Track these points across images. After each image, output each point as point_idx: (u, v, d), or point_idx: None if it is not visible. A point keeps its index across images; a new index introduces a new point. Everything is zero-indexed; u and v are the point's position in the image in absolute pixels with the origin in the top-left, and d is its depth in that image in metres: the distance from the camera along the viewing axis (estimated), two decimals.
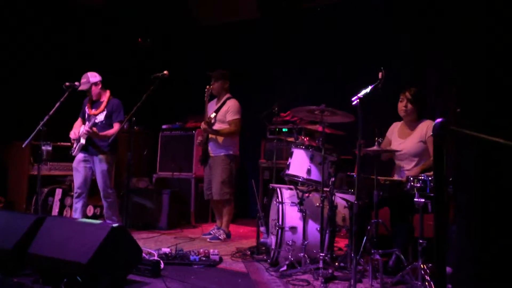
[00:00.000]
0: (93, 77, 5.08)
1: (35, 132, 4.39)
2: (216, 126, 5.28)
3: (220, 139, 5.27)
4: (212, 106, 5.44)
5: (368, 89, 3.51)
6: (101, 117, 4.98)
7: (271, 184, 4.50)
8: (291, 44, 6.99)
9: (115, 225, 3.18)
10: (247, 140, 6.24)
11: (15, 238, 3.38)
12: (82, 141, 4.95)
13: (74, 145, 5.07)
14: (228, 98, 5.38)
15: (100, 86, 5.12)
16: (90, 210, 5.94)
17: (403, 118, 4.22)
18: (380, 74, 3.56)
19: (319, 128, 4.10)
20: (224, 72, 5.45)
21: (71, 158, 5.26)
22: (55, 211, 5.68)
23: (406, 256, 3.54)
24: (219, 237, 5.27)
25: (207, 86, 5.38)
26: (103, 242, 3.05)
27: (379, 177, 3.63)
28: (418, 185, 3.32)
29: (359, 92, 3.52)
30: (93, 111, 5.07)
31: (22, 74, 6.10)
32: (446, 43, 5.41)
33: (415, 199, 3.29)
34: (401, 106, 4.15)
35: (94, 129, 4.85)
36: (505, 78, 3.32)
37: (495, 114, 3.31)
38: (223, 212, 5.39)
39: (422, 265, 3.22)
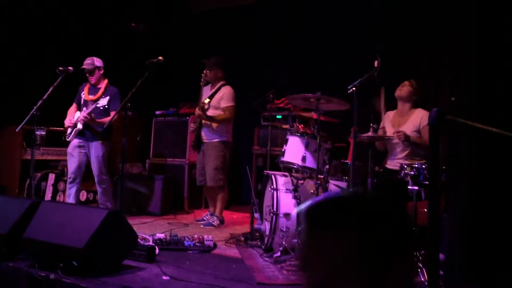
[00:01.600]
0: (98, 61, 5.11)
1: (28, 116, 4.37)
2: (210, 112, 5.26)
3: (214, 125, 5.26)
4: (206, 91, 5.42)
5: (363, 78, 3.54)
6: (103, 102, 4.96)
7: (266, 171, 4.52)
8: (287, 29, 6.95)
9: (110, 210, 3.19)
10: (241, 126, 6.25)
11: (10, 223, 3.38)
12: (79, 126, 4.93)
13: (69, 131, 5.05)
14: (222, 85, 5.36)
15: (102, 72, 5.14)
16: (83, 195, 5.93)
17: (398, 100, 4.21)
18: (376, 63, 3.58)
19: (313, 115, 4.12)
20: (219, 60, 5.39)
21: (64, 143, 5.25)
22: (48, 196, 5.66)
23: None
24: (213, 223, 5.30)
25: (204, 71, 5.36)
26: (99, 227, 3.07)
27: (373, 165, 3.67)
28: (412, 173, 3.36)
29: (355, 80, 3.55)
30: (90, 97, 5.04)
31: (15, 58, 6.03)
32: (441, 32, 5.45)
33: (408, 187, 3.33)
34: (399, 87, 4.17)
35: (92, 115, 4.84)
36: (500, 68, 3.36)
37: (489, 104, 3.35)
38: (217, 198, 5.40)
39: (415, 252, 3.26)
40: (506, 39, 3.36)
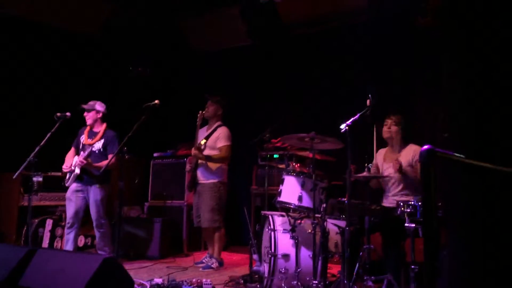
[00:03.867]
0: (100, 106, 5.21)
1: (26, 163, 4.39)
2: (206, 153, 5.29)
3: (210, 165, 5.28)
4: (202, 132, 5.47)
5: (356, 116, 3.59)
6: (98, 145, 5.00)
7: (263, 211, 4.51)
8: (282, 70, 7.08)
9: (106, 256, 3.17)
10: (239, 166, 6.27)
11: (6, 271, 3.34)
12: (77, 170, 4.95)
13: (67, 176, 5.07)
14: (219, 126, 5.42)
15: (100, 116, 5.19)
16: (81, 240, 5.89)
17: (388, 141, 4.26)
18: (368, 101, 3.64)
19: (309, 154, 4.15)
20: (222, 98, 5.49)
21: (62, 188, 5.24)
22: (45, 242, 5.61)
23: (398, 282, 3.54)
24: (212, 265, 5.23)
25: (200, 111, 5.41)
26: (95, 275, 3.03)
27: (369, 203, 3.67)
28: (408, 210, 3.36)
29: (347, 119, 3.59)
30: (89, 141, 5.09)
31: (12, 105, 6.12)
32: (432, 68, 5.54)
33: (405, 224, 3.32)
34: (385, 128, 4.22)
35: (89, 159, 4.87)
36: (494, 102, 3.40)
37: (483, 140, 3.37)
38: (214, 239, 5.36)
39: None
40: (499, 74, 3.41)
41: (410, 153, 4.09)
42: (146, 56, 7.67)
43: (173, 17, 7.36)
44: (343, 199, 4.12)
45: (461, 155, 2.60)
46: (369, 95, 3.67)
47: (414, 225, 3.28)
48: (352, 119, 3.56)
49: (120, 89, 7.26)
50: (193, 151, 5.28)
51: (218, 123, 5.46)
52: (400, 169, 3.91)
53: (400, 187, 4.07)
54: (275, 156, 6.24)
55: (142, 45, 7.52)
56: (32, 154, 4.39)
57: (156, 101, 4.34)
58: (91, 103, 5.18)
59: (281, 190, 4.09)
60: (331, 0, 6.35)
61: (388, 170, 4.16)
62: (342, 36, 6.46)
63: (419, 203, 3.33)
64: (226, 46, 7.54)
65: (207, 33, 7.49)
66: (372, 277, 3.41)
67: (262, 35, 7.19)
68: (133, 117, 4.28)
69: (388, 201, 4.05)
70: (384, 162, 4.25)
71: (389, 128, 4.16)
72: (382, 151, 4.36)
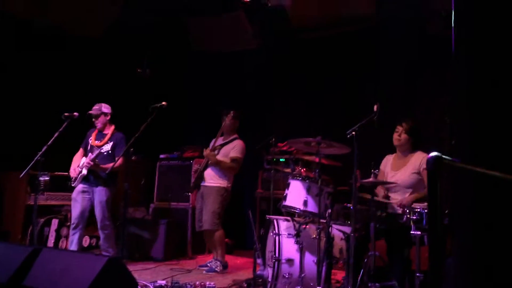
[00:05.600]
0: (106, 108, 5.23)
1: (33, 162, 4.40)
2: (218, 157, 5.33)
3: (218, 170, 5.29)
4: (219, 140, 5.54)
5: (363, 122, 3.57)
6: (107, 147, 4.97)
7: (268, 216, 4.50)
8: (288, 73, 7.08)
9: (110, 257, 3.17)
10: (244, 170, 6.25)
11: (11, 271, 3.34)
12: (84, 171, 4.97)
13: (74, 177, 5.09)
14: (235, 138, 5.48)
15: (108, 118, 5.23)
16: (86, 241, 5.90)
17: (397, 148, 4.24)
18: (375, 107, 3.62)
19: (315, 159, 4.13)
20: (238, 112, 5.53)
21: (68, 188, 5.26)
22: (51, 241, 5.63)
23: None
24: (216, 269, 5.23)
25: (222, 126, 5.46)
26: (99, 275, 3.03)
27: (375, 198, 3.65)
28: (414, 217, 3.34)
29: (354, 124, 3.58)
30: (97, 143, 5.11)
31: (19, 105, 6.16)
32: (441, 74, 5.53)
33: (411, 232, 3.30)
34: (396, 136, 4.18)
35: (96, 161, 4.89)
36: (502, 107, 3.37)
37: (490, 147, 3.35)
38: (215, 242, 5.36)
39: None
40: (504, 80, 3.39)
41: (418, 160, 4.05)
42: (151, 57, 7.69)
43: (180, 18, 7.39)
44: (348, 204, 4.10)
45: (468, 163, 2.58)
46: (377, 101, 3.65)
47: (420, 232, 3.25)
48: (358, 124, 3.55)
49: (127, 90, 7.28)
50: (206, 151, 5.31)
51: (235, 135, 5.52)
52: (408, 206, 3.84)
53: (406, 195, 4.04)
54: (281, 160, 6.24)
55: (148, 47, 7.56)
56: (40, 154, 4.40)
57: (164, 103, 4.34)
58: (96, 107, 5.18)
59: (286, 194, 4.08)
60: (340, 5, 6.35)
61: (394, 177, 4.12)
62: (350, 41, 6.46)
63: (425, 211, 3.30)
64: (233, 48, 7.53)
65: (213, 35, 7.51)
66: (377, 284, 3.39)
67: (270, 38, 7.20)
68: (140, 118, 4.29)
69: (394, 208, 4.03)
70: (391, 169, 4.22)
71: (399, 136, 4.12)
72: (390, 157, 4.32)
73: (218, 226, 5.26)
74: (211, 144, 5.53)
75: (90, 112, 5.12)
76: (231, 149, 5.35)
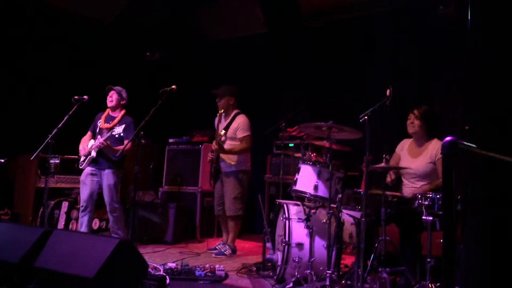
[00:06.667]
0: (125, 93, 5.27)
1: (43, 145, 4.41)
2: (227, 144, 5.27)
3: (232, 156, 5.26)
4: (221, 123, 5.45)
5: (375, 106, 3.53)
6: (119, 130, 4.92)
7: (278, 200, 4.49)
8: (297, 59, 7.02)
9: (121, 239, 3.18)
10: (253, 154, 6.23)
11: (22, 251, 3.37)
12: (93, 153, 4.97)
13: (82, 159, 5.10)
14: (236, 114, 5.38)
15: (123, 102, 5.24)
16: (96, 224, 5.95)
17: (412, 135, 4.21)
18: (388, 91, 3.58)
19: (326, 144, 4.11)
20: (229, 88, 5.41)
21: (77, 171, 5.28)
22: (61, 224, 5.68)
23: (414, 275, 3.51)
24: (225, 252, 5.25)
25: (219, 112, 5.38)
26: (110, 257, 3.05)
27: (386, 193, 3.62)
28: (426, 203, 3.31)
29: (366, 108, 3.54)
30: (106, 125, 5.10)
31: (29, 88, 6.17)
32: (453, 57, 5.44)
33: (423, 217, 3.28)
34: (409, 123, 4.15)
35: (108, 142, 4.89)
36: None
37: (505, 132, 3.30)
38: (230, 227, 5.37)
39: (430, 284, 3.20)
40: None
41: (434, 149, 4.01)
42: (161, 42, 7.67)
43: (189, 3, 7.32)
44: (359, 189, 4.09)
45: (482, 148, 2.55)
46: (389, 85, 3.60)
47: (431, 218, 3.23)
48: (371, 109, 3.51)
49: (137, 74, 7.27)
50: (214, 145, 5.25)
51: (235, 111, 5.42)
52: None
53: (422, 183, 4.01)
54: (290, 145, 6.22)
55: (157, 31, 7.52)
56: (50, 136, 4.40)
57: (173, 86, 4.31)
58: (118, 88, 5.22)
59: (296, 179, 4.06)
60: None
61: (411, 164, 4.08)
62: (362, 27, 6.38)
63: (437, 196, 3.28)
64: (241, 33, 7.47)
65: (222, 20, 7.45)
66: (387, 269, 3.38)
67: (279, 24, 7.13)
68: (149, 103, 4.28)
69: (407, 193, 4.01)
70: (408, 155, 4.19)
71: (412, 123, 4.09)
72: (408, 141, 4.29)
73: (241, 211, 5.27)
74: (216, 122, 5.44)
75: (112, 86, 5.15)
76: (236, 130, 5.26)
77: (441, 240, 3.45)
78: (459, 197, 3.29)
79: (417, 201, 3.37)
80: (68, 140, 5.19)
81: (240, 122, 5.29)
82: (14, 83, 6.05)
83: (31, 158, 4.52)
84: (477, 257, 3.28)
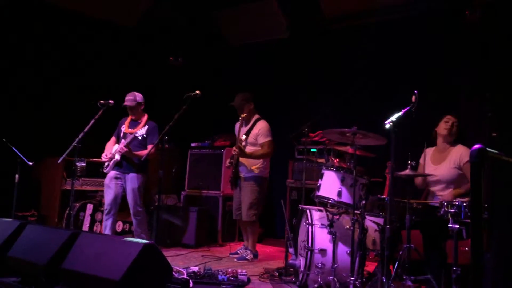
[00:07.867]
0: (139, 97, 5.24)
1: (70, 148, 4.49)
2: (248, 149, 5.30)
3: (252, 161, 5.28)
4: (242, 127, 5.46)
5: (401, 112, 3.50)
6: (142, 131, 4.92)
7: (301, 205, 4.48)
8: (321, 63, 7.00)
9: (147, 242, 3.21)
10: (275, 159, 6.24)
11: (50, 253, 3.43)
12: (117, 157, 5.05)
13: (106, 163, 5.17)
14: (257, 120, 5.41)
15: (143, 107, 5.28)
16: (119, 226, 6.03)
17: (444, 138, 4.15)
18: (413, 98, 3.54)
19: (349, 149, 4.09)
20: (244, 96, 5.41)
21: (102, 174, 5.36)
22: (85, 226, 5.77)
23: (439, 283, 3.46)
24: (246, 257, 5.26)
25: (241, 116, 5.39)
26: (135, 260, 3.08)
27: (411, 201, 3.59)
28: (452, 210, 3.27)
29: (391, 115, 3.51)
30: (130, 130, 5.16)
31: (56, 93, 6.30)
32: (479, 62, 5.37)
33: (449, 225, 3.23)
34: (447, 125, 4.11)
35: (129, 147, 4.94)
36: None
37: None
38: (248, 232, 5.39)
39: None
40: None
41: (458, 154, 3.98)
42: (183, 47, 7.74)
43: (210, 8, 7.39)
44: (383, 196, 4.05)
45: (511, 156, 2.51)
46: (415, 91, 3.57)
47: (458, 226, 3.19)
48: (396, 115, 3.48)
49: (160, 79, 7.35)
50: (235, 150, 5.27)
51: (256, 116, 5.45)
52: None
53: (447, 191, 3.97)
54: (313, 150, 6.20)
55: (180, 36, 7.60)
56: (77, 140, 4.47)
57: (197, 91, 4.36)
58: (130, 97, 5.17)
59: (320, 184, 4.05)
60: None
61: (435, 171, 4.04)
62: (383, 31, 6.34)
63: (464, 204, 3.23)
64: (263, 38, 7.50)
65: (243, 25, 7.49)
66: (412, 277, 3.35)
67: (301, 28, 7.13)
68: (172, 107, 4.32)
69: (433, 201, 3.96)
70: (431, 163, 4.15)
71: (451, 126, 4.08)
72: (429, 151, 4.26)
73: (255, 217, 5.28)
74: (236, 128, 5.47)
75: (126, 103, 5.14)
76: (257, 135, 5.28)
77: (466, 249, 3.41)
78: (486, 205, 3.24)
79: (443, 209, 3.32)
80: (93, 143, 5.28)
81: (261, 128, 5.31)
82: (41, 89, 6.19)
83: (58, 161, 4.59)
84: (504, 266, 3.22)
